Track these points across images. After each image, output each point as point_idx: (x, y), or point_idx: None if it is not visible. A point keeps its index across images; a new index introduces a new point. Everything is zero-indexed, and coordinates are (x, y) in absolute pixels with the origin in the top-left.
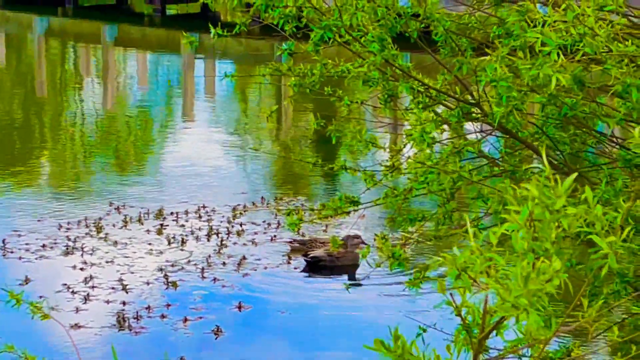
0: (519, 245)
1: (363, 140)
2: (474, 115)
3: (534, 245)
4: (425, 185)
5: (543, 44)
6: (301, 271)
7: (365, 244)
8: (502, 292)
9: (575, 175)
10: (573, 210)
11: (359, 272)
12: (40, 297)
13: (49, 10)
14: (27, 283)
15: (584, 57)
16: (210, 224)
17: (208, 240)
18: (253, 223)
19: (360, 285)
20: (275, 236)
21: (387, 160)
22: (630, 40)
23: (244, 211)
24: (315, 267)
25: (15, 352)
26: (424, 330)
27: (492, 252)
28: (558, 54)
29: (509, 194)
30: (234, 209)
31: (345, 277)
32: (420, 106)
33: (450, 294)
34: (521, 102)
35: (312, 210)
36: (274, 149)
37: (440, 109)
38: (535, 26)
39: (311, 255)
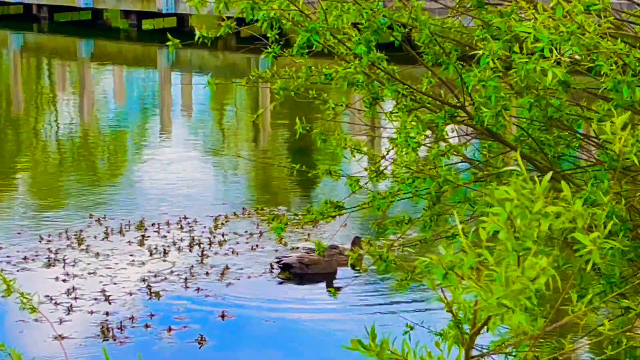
0: (502, 245)
1: (348, 146)
2: (458, 118)
3: (515, 245)
4: (412, 189)
5: (533, 41)
6: (274, 277)
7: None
8: (483, 295)
9: (551, 174)
10: (553, 209)
11: (338, 280)
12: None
13: (24, 26)
14: (8, 295)
15: (569, 61)
16: (192, 235)
17: (190, 250)
18: (235, 233)
19: (342, 292)
20: (257, 245)
21: (370, 166)
22: (619, 39)
23: (226, 221)
24: (289, 274)
25: (5, 350)
26: (411, 328)
27: (482, 249)
28: (550, 50)
29: (490, 195)
30: (216, 220)
31: (331, 283)
32: (405, 110)
33: (442, 290)
34: (509, 102)
35: (296, 215)
36: (254, 159)
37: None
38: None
39: (282, 262)
